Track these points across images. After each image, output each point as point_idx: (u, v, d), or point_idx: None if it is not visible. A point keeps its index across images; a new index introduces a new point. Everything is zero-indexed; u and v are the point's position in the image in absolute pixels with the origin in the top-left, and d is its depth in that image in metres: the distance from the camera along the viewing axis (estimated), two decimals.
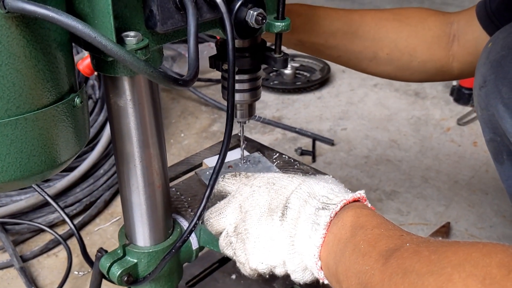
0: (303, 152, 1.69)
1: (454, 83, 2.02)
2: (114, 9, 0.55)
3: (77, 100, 0.57)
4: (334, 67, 2.31)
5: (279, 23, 0.74)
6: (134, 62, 0.48)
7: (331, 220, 0.65)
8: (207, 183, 0.92)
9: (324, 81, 2.17)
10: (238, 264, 0.75)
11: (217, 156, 0.92)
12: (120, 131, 0.70)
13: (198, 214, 0.71)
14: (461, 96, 1.99)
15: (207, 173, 0.96)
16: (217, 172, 0.69)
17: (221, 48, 0.80)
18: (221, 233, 0.77)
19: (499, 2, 0.97)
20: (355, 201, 0.68)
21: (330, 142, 1.76)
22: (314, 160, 1.68)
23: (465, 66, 1.05)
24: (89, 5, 0.55)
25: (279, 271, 0.71)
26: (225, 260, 1.18)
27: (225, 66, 0.78)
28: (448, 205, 1.47)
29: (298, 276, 0.69)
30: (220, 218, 0.76)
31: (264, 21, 0.69)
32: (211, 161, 1.00)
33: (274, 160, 1.00)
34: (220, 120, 1.93)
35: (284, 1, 0.73)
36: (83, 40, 0.60)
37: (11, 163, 0.53)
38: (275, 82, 2.13)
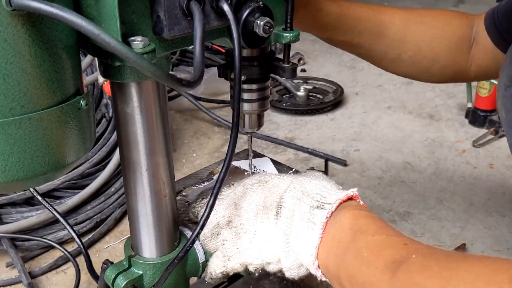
0: None
1: (469, 105, 1.99)
2: (121, 14, 0.56)
3: (83, 103, 0.57)
4: (347, 89, 2.30)
5: (287, 34, 0.74)
6: (138, 60, 0.48)
7: (328, 220, 0.65)
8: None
9: (337, 103, 2.16)
10: (220, 257, 0.74)
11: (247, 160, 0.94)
12: (127, 139, 0.70)
13: (201, 223, 0.70)
14: (476, 118, 1.97)
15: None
16: (221, 180, 0.68)
17: (230, 58, 0.81)
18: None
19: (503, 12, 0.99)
20: (349, 199, 0.69)
21: (343, 163, 1.74)
22: None
23: (481, 70, 1.05)
24: (96, 9, 0.55)
25: (272, 268, 0.71)
26: (234, 278, 1.16)
27: (233, 75, 0.79)
28: (463, 226, 1.43)
29: (293, 273, 0.69)
30: (212, 215, 0.73)
31: (271, 30, 0.70)
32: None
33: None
34: None
35: (292, 12, 0.74)
36: (91, 44, 0.61)
37: (14, 162, 0.52)
38: (288, 103, 2.13)
